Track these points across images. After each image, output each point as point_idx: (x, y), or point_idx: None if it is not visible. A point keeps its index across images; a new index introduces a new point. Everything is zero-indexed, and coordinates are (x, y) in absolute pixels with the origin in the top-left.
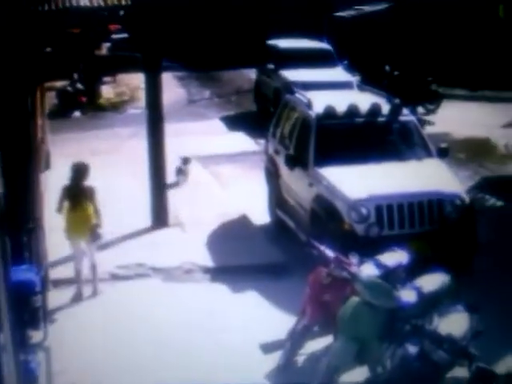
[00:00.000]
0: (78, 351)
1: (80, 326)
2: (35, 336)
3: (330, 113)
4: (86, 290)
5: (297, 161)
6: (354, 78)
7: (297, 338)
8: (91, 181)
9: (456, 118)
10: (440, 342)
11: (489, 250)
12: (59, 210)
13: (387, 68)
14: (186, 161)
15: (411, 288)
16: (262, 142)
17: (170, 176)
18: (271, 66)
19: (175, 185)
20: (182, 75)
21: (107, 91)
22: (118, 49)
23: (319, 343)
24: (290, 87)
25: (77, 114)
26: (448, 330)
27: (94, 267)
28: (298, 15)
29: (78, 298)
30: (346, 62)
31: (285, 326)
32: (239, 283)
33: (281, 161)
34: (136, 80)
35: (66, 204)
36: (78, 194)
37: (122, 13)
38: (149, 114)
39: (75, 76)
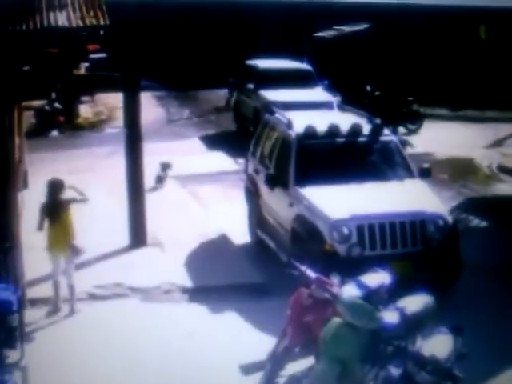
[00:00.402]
0: (54, 371)
1: (57, 346)
2: (12, 355)
3: (310, 133)
4: (64, 310)
5: (277, 180)
6: (334, 98)
7: (278, 360)
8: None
9: (438, 137)
10: (423, 364)
11: (472, 271)
12: (40, 228)
13: (368, 88)
14: (165, 166)
15: (394, 309)
16: (242, 161)
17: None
18: (251, 86)
19: (153, 189)
20: (161, 95)
21: (85, 111)
22: (96, 68)
23: (300, 365)
24: (269, 107)
25: (55, 133)
26: (432, 352)
27: (71, 286)
28: (277, 35)
29: (55, 313)
30: (326, 82)
31: (265, 347)
32: (219, 303)
33: (261, 180)
34: (114, 99)
35: (46, 221)
36: (55, 210)
37: (102, 32)
38: (127, 133)
39: (53, 95)
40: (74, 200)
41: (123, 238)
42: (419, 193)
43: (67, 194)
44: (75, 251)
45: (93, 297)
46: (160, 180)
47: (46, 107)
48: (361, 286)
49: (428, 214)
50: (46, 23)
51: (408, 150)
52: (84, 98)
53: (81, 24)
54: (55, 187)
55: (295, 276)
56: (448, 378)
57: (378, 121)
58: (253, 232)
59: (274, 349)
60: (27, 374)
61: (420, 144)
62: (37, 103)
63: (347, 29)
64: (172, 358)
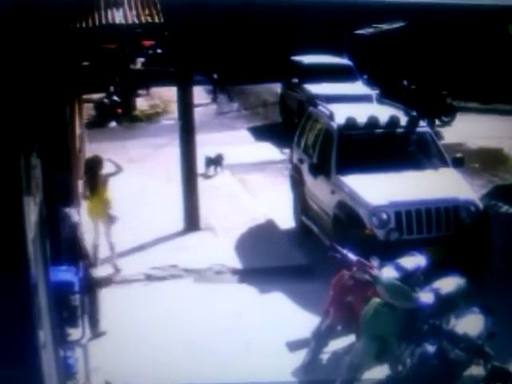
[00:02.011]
0: (114, 348)
1: (116, 324)
2: (73, 334)
3: (351, 124)
4: (122, 291)
5: (320, 169)
6: (373, 92)
7: (321, 337)
8: (127, 186)
9: (470, 129)
10: (457, 342)
11: (503, 254)
12: (85, 197)
13: (405, 82)
14: (219, 157)
15: (429, 290)
16: (287, 151)
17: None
18: (295, 80)
19: (205, 175)
20: (212, 89)
21: (141, 103)
22: (152, 63)
23: (342, 342)
24: (313, 100)
25: (113, 124)
26: (464, 330)
27: (112, 246)
28: (320, 33)
29: (94, 267)
30: (365, 76)
31: (310, 325)
32: (266, 284)
33: (305, 169)
34: (169, 93)
35: (87, 192)
36: (94, 184)
37: (158, 31)
38: (181, 125)
39: (111, 89)
40: (110, 174)
41: (178, 222)
42: (452, 181)
43: (106, 168)
44: (111, 219)
45: (150, 278)
46: (209, 163)
47: (105, 100)
48: (399, 268)
49: (461, 201)
50: (103, 21)
51: (442, 140)
52: (140, 92)
53: (136, 21)
54: (93, 163)
55: (337, 259)
56: (479, 355)
57: (414, 113)
58: (297, 218)
59: (317, 327)
60: (88, 351)
61: (453, 135)
62: (96, 96)
63: (385, 26)
64: (222, 335)
